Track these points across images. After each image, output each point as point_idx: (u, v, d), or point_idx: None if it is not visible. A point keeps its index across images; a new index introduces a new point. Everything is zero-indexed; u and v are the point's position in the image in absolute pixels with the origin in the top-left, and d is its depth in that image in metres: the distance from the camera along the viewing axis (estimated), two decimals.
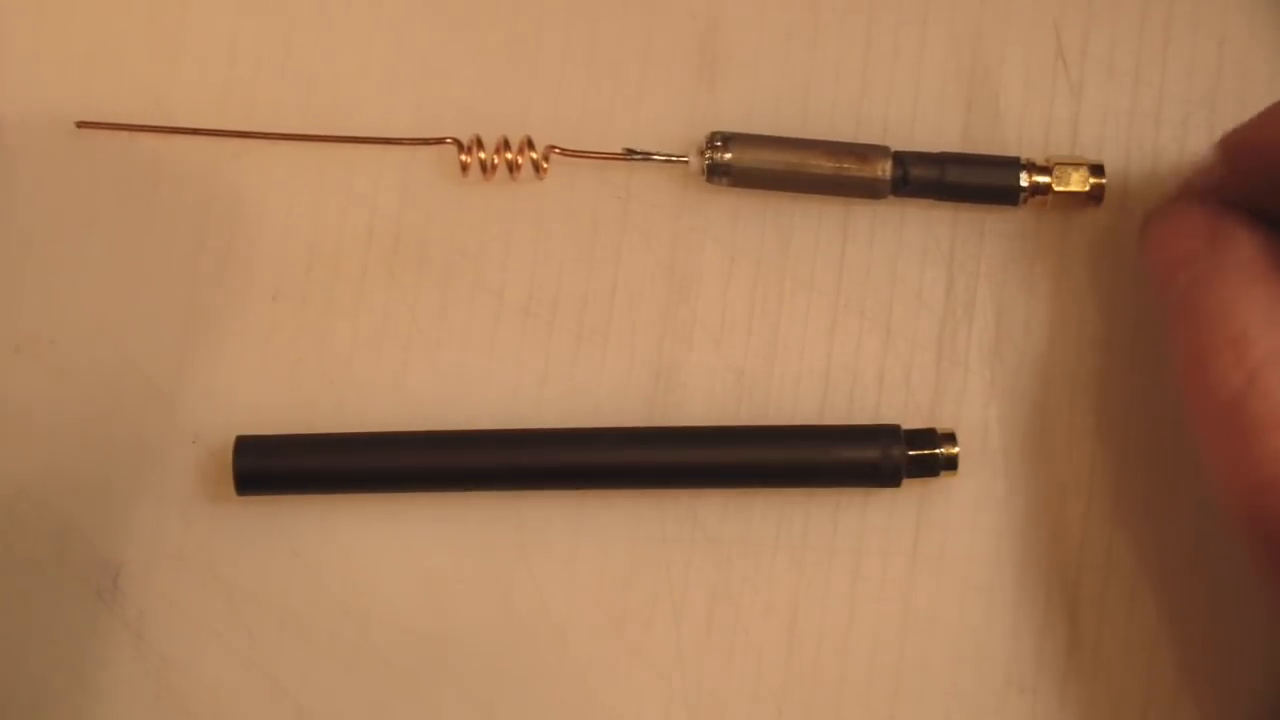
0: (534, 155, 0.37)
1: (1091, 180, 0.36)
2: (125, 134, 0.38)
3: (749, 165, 0.37)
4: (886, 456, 0.36)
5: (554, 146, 0.37)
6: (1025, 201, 0.37)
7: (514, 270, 0.38)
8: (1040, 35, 0.38)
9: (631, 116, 0.38)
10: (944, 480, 0.36)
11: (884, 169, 0.36)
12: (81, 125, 0.38)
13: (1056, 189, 0.36)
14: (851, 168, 0.36)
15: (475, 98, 0.38)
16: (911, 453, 0.36)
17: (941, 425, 0.37)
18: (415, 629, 0.37)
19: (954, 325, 0.37)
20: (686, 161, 0.37)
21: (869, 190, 0.37)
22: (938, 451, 0.36)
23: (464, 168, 0.37)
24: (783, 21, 0.38)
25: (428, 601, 0.37)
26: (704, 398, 0.37)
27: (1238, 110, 0.38)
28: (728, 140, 0.37)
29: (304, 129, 0.38)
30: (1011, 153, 0.37)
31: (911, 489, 0.37)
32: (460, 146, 0.37)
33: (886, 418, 0.37)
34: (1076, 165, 0.37)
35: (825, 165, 0.36)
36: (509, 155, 0.37)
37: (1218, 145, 0.33)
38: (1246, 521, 0.30)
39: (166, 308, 0.38)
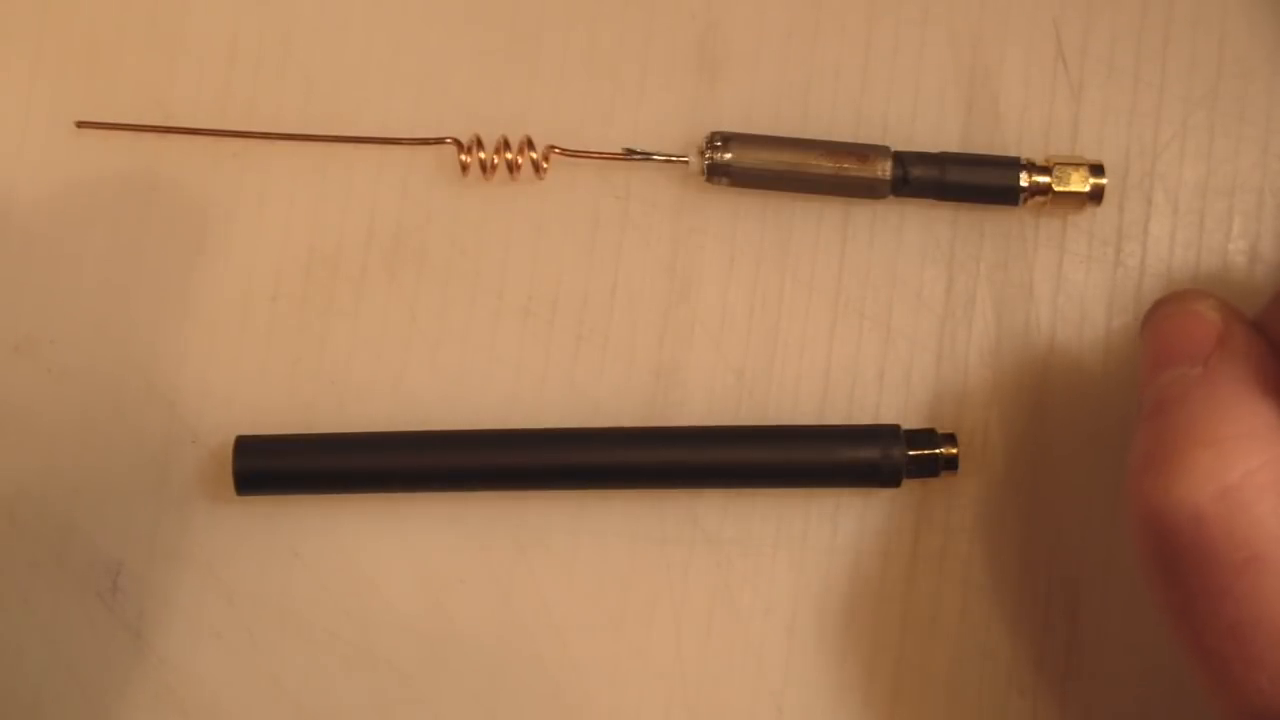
0: (534, 155, 0.37)
1: (1091, 180, 0.36)
2: (125, 134, 0.38)
3: (749, 165, 0.37)
4: (886, 456, 0.36)
5: (554, 146, 0.37)
6: (1025, 201, 0.37)
7: (514, 270, 0.38)
8: (1040, 35, 0.38)
9: (631, 116, 0.38)
10: (944, 480, 0.36)
11: (884, 169, 0.36)
12: (81, 125, 0.38)
13: (1056, 189, 0.36)
14: (851, 168, 0.36)
15: (475, 98, 0.38)
16: (911, 453, 0.36)
17: (941, 425, 0.37)
18: (415, 629, 0.37)
19: (954, 325, 0.37)
20: (686, 161, 0.37)
21: (869, 190, 0.37)
22: (938, 451, 0.36)
23: (464, 168, 0.37)
24: (783, 21, 0.38)
25: (428, 601, 0.37)
26: (704, 398, 0.37)
27: (1238, 110, 0.38)
28: (728, 140, 0.37)
29: (304, 129, 0.38)
30: (1011, 153, 0.37)
31: (911, 489, 0.37)
32: (460, 146, 0.37)
33: (886, 418, 0.37)
34: (1076, 165, 0.37)
35: (825, 165, 0.36)
36: (509, 155, 0.37)
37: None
38: (1212, 673, 0.27)
39: (166, 308, 0.38)
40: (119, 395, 0.37)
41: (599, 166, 0.38)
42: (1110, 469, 0.37)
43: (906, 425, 0.36)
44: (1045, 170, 0.37)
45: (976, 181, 0.37)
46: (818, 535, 0.37)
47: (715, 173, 0.37)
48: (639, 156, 0.37)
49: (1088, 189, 0.36)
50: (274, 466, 0.36)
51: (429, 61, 0.38)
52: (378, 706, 0.37)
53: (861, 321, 0.38)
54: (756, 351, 0.38)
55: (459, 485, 0.37)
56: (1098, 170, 0.37)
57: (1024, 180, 0.36)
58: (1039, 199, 0.37)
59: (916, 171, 0.36)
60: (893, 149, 0.37)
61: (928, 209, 0.38)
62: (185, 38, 0.38)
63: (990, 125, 0.38)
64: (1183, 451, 0.27)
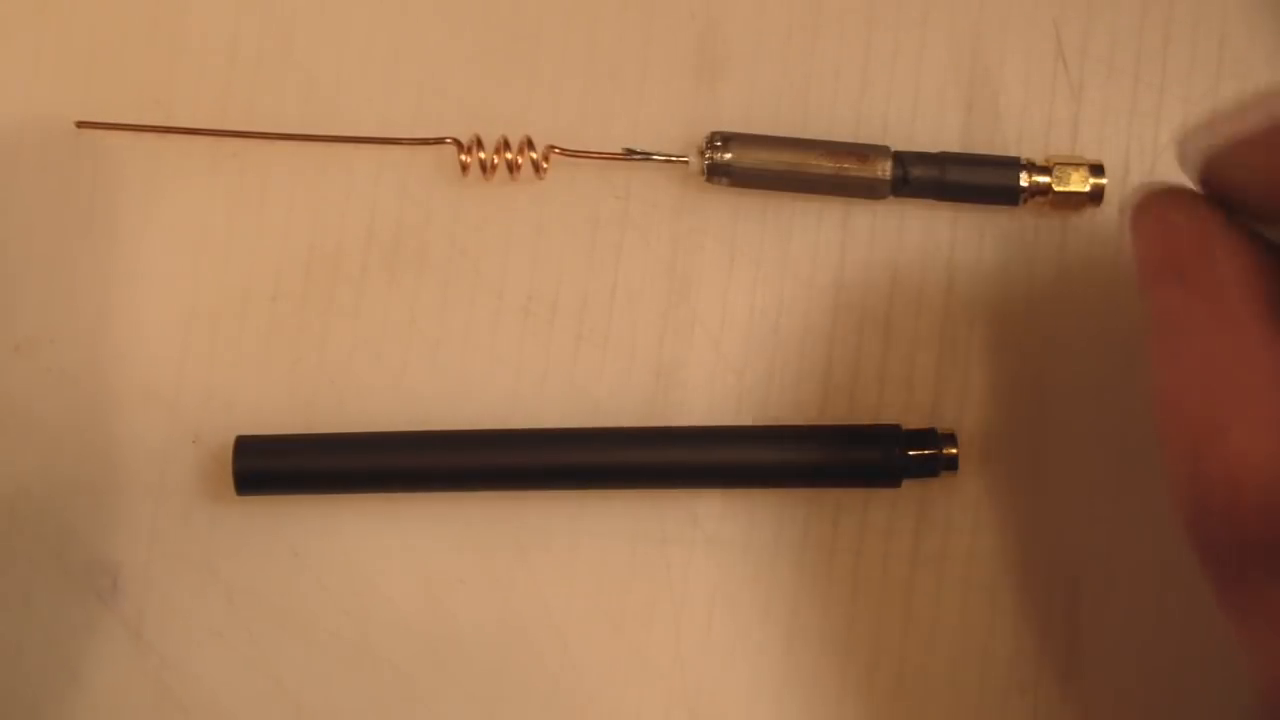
0: (534, 155, 0.37)
1: (1091, 180, 0.37)
2: (125, 134, 0.38)
3: (749, 165, 0.37)
4: (886, 456, 0.36)
5: (554, 146, 0.37)
6: (1025, 201, 0.37)
7: (514, 270, 0.38)
8: (1040, 35, 0.38)
9: (631, 116, 0.38)
10: (944, 480, 0.36)
11: (884, 169, 0.36)
12: (81, 125, 0.38)
13: (1056, 189, 0.36)
14: (851, 168, 0.36)
15: (475, 98, 0.38)
16: (911, 453, 0.36)
17: (941, 425, 0.37)
18: (415, 629, 0.37)
19: (954, 325, 0.37)
20: (686, 161, 0.37)
21: (869, 190, 0.37)
22: (938, 451, 0.36)
23: (464, 168, 0.37)
24: (783, 21, 0.38)
25: (428, 601, 0.37)
26: (704, 398, 0.37)
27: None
28: (728, 140, 0.37)
29: (304, 129, 0.38)
30: (1011, 153, 0.37)
31: (911, 489, 0.37)
32: (460, 146, 0.37)
33: (886, 418, 0.37)
34: (1076, 165, 0.37)
35: (825, 165, 0.36)
36: (509, 155, 0.37)
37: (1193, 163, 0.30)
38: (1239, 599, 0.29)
39: (166, 308, 0.38)
40: (119, 395, 0.37)
41: (599, 166, 0.38)
42: (1110, 468, 0.37)
43: (906, 425, 0.36)
44: (1045, 170, 0.37)
45: (976, 181, 0.37)
46: (818, 535, 0.37)
47: (715, 173, 0.37)
48: (639, 156, 0.37)
49: (1088, 189, 0.37)
50: (274, 466, 0.36)
51: (429, 61, 0.38)
52: (378, 706, 0.37)
53: (861, 321, 0.38)
54: (756, 351, 0.38)
55: (459, 485, 0.37)
56: (1098, 170, 0.37)
57: (1024, 180, 0.36)
58: (1039, 199, 0.37)
59: (916, 171, 0.36)
60: (893, 149, 0.37)
61: (928, 209, 0.38)
62: (185, 38, 0.38)
63: (990, 125, 0.38)
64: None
